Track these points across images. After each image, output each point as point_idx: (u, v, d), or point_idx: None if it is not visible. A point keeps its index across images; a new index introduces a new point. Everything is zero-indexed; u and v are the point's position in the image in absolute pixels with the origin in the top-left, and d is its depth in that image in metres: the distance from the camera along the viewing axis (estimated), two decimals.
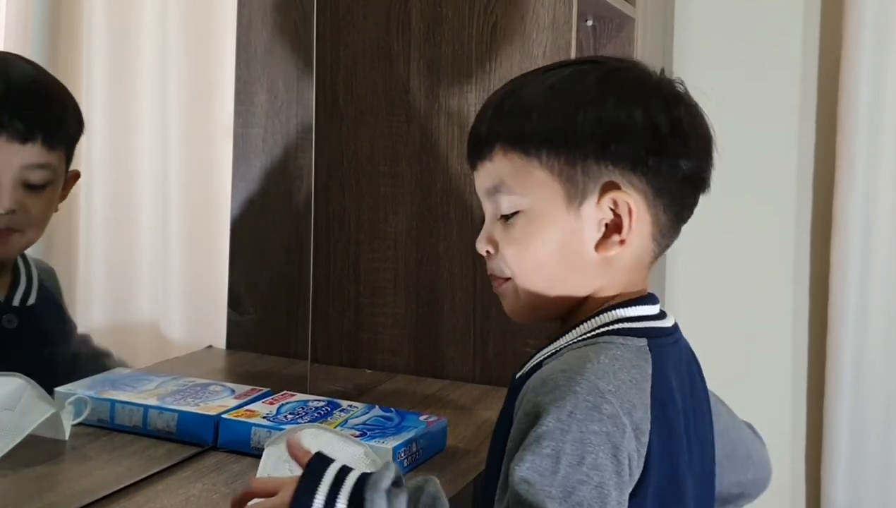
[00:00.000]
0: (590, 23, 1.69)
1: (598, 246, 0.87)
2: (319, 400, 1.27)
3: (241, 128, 1.60)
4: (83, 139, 1.34)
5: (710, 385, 0.93)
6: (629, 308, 0.88)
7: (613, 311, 0.88)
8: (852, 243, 1.90)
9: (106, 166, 1.39)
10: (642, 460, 0.77)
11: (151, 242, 1.49)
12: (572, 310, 0.91)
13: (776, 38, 2.02)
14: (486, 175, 0.91)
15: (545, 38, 1.45)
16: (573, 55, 1.46)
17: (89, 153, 1.35)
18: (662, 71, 0.95)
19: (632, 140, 0.86)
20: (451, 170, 1.53)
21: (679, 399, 0.87)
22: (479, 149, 0.92)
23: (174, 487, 1.08)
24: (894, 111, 1.87)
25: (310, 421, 1.18)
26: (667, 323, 0.92)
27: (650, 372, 0.83)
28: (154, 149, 1.48)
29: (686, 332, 1.10)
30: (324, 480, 0.74)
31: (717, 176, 2.20)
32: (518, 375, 0.91)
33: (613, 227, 0.87)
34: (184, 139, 1.53)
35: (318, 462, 0.77)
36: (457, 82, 1.52)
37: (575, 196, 0.87)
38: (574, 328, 0.89)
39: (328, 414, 1.21)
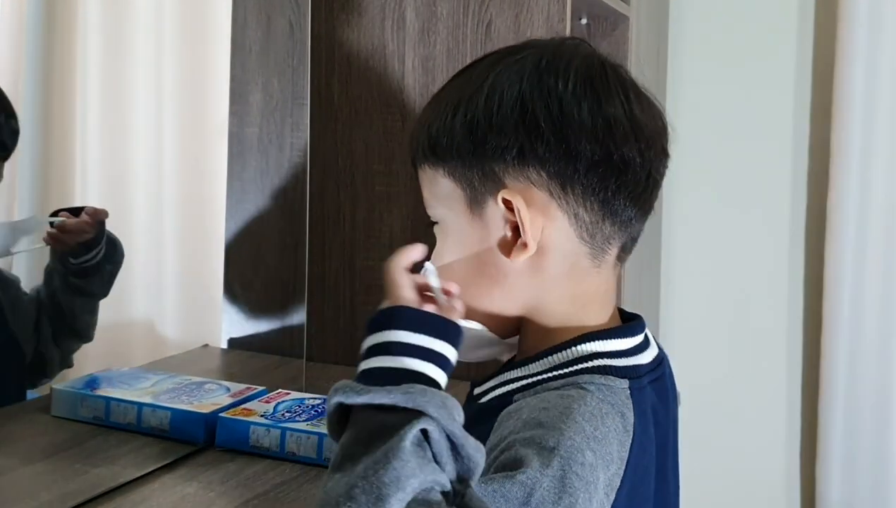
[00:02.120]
0: (584, 21, 1.70)
1: (507, 251, 0.79)
2: (316, 398, 1.27)
3: (235, 128, 1.60)
4: (79, 138, 1.35)
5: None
6: (605, 341, 0.80)
7: (587, 345, 0.80)
8: (846, 239, 1.90)
9: (101, 165, 1.39)
10: None
11: (147, 241, 1.49)
12: (519, 331, 0.84)
13: (770, 35, 2.03)
14: (421, 185, 0.87)
15: (538, 37, 1.45)
16: None
17: (84, 152, 1.35)
18: (566, 40, 0.85)
19: (506, 130, 0.78)
20: None
21: (655, 447, 0.81)
22: (412, 163, 0.88)
23: (170, 485, 1.08)
24: (888, 108, 1.87)
25: (307, 420, 1.19)
26: (646, 357, 0.83)
27: (632, 421, 0.76)
28: (149, 149, 1.48)
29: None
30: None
31: (713, 173, 2.20)
32: (477, 392, 0.86)
33: (518, 230, 0.79)
34: (179, 138, 1.53)
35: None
36: None
37: (475, 200, 0.81)
38: (542, 357, 0.81)
39: (325, 411, 1.22)
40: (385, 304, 0.77)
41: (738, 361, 2.08)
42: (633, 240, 0.85)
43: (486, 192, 0.80)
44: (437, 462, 0.63)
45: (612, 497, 0.73)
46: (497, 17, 1.47)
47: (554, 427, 0.70)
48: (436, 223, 0.86)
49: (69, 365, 1.34)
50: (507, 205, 0.79)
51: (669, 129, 0.85)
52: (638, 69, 1.75)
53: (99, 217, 1.29)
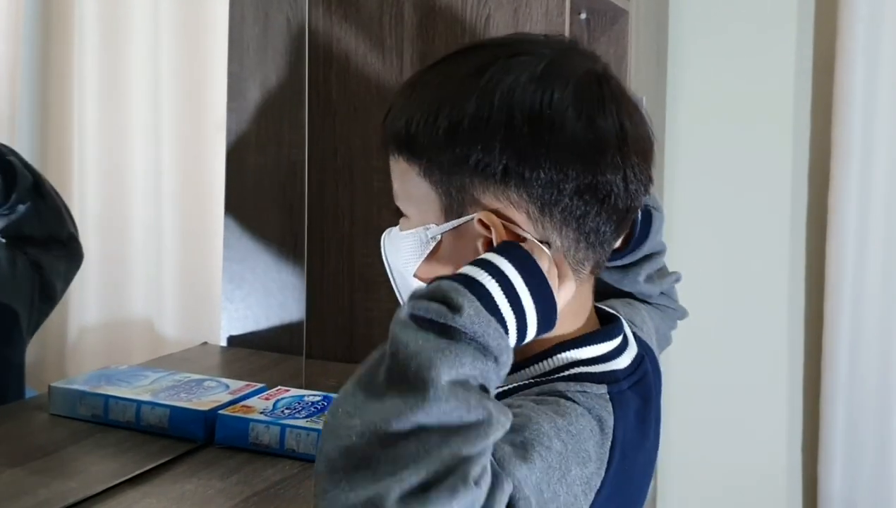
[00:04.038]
0: (583, 16, 1.69)
1: None
2: (315, 395, 1.26)
3: (233, 124, 1.60)
4: (76, 136, 1.34)
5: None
6: (581, 349, 0.78)
7: (565, 354, 0.77)
8: (848, 234, 1.90)
9: (99, 163, 1.39)
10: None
11: (145, 239, 1.49)
12: None
13: (771, 30, 2.02)
14: (391, 171, 0.83)
15: (538, 32, 1.44)
16: None
17: (82, 150, 1.35)
18: (564, 46, 0.80)
19: (492, 147, 0.73)
20: None
21: (640, 446, 0.80)
22: (383, 144, 0.82)
23: (169, 483, 1.08)
24: (888, 102, 1.87)
25: (307, 416, 1.18)
26: (624, 360, 0.81)
27: (611, 424, 0.74)
28: (147, 147, 1.48)
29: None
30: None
31: (713, 167, 2.19)
32: None
33: (490, 246, 0.75)
34: (177, 136, 1.53)
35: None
36: None
37: (451, 209, 0.77)
38: (518, 370, 0.77)
39: (325, 408, 1.21)
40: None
41: (740, 356, 2.07)
42: (607, 257, 0.82)
43: (463, 204, 0.76)
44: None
45: (592, 496, 0.71)
46: (496, 12, 1.46)
47: (523, 422, 0.68)
48: (403, 215, 0.83)
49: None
50: (483, 225, 0.75)
51: (655, 148, 0.82)
52: (637, 64, 1.75)
53: None
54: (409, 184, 0.80)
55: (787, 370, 2.06)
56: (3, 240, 1.20)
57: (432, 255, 0.79)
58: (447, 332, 0.63)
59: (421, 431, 0.59)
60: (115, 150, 1.42)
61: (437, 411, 0.59)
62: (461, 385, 0.61)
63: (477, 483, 0.58)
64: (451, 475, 0.57)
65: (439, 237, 0.78)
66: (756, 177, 2.05)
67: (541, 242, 0.74)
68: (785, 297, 2.06)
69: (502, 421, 0.62)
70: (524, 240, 0.74)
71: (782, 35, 2.02)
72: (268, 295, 1.61)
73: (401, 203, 0.82)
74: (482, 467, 0.59)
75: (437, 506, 0.56)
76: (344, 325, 1.61)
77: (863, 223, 1.89)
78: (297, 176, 1.57)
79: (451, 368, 0.61)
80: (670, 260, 1.08)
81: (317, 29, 1.58)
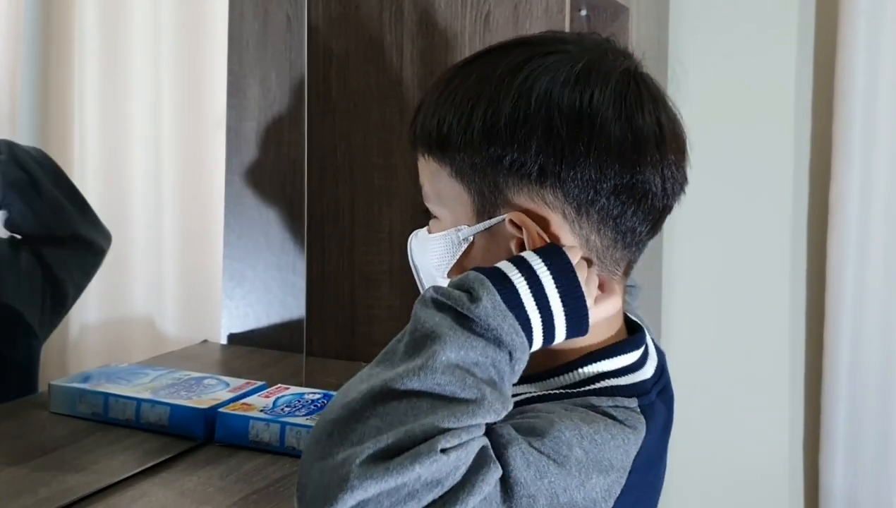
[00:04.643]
0: (583, 12, 1.68)
1: None
2: (315, 393, 1.26)
3: (233, 122, 1.60)
4: (76, 134, 1.34)
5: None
6: (610, 360, 0.77)
7: (593, 366, 0.76)
8: (849, 231, 1.89)
9: (99, 161, 1.39)
10: None
11: (145, 237, 1.49)
12: None
13: (771, 27, 2.02)
14: (420, 172, 0.82)
15: (538, 28, 1.44)
16: None
17: (82, 148, 1.35)
18: (606, 45, 0.81)
19: (529, 146, 0.73)
20: None
21: (661, 456, 0.80)
22: (412, 145, 0.82)
23: (169, 481, 1.08)
24: (889, 99, 1.86)
25: (307, 414, 1.18)
26: (648, 369, 0.80)
27: (643, 435, 0.74)
28: (147, 144, 1.48)
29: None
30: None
31: (714, 165, 2.19)
32: None
33: (523, 247, 0.75)
34: (176, 133, 1.52)
35: None
36: None
37: (484, 209, 0.76)
38: (545, 378, 0.77)
39: (325, 406, 1.21)
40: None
41: (741, 354, 2.07)
42: (637, 259, 0.82)
43: (495, 205, 0.76)
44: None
45: (611, 503, 0.71)
46: (496, 9, 1.46)
47: (546, 427, 0.68)
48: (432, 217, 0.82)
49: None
50: (515, 225, 0.75)
51: (688, 149, 0.83)
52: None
53: None
54: (439, 184, 0.79)
55: (788, 367, 2.06)
56: (18, 236, 1.20)
57: (465, 257, 0.79)
58: (463, 320, 0.66)
59: (413, 396, 0.62)
60: (115, 148, 1.42)
61: (431, 381, 0.62)
62: (463, 366, 0.64)
63: (445, 451, 0.60)
64: (421, 443, 0.60)
65: (471, 238, 0.78)
66: (757, 175, 2.05)
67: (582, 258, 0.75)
68: (786, 295, 2.05)
69: (496, 408, 0.64)
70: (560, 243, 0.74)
71: (783, 33, 2.01)
72: (268, 293, 1.61)
73: (431, 205, 0.82)
74: (458, 441, 0.61)
75: (399, 469, 0.59)
76: (344, 323, 1.61)
77: (864, 221, 1.89)
78: (296, 173, 1.57)
79: (459, 348, 0.64)
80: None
81: (316, 26, 1.58)
